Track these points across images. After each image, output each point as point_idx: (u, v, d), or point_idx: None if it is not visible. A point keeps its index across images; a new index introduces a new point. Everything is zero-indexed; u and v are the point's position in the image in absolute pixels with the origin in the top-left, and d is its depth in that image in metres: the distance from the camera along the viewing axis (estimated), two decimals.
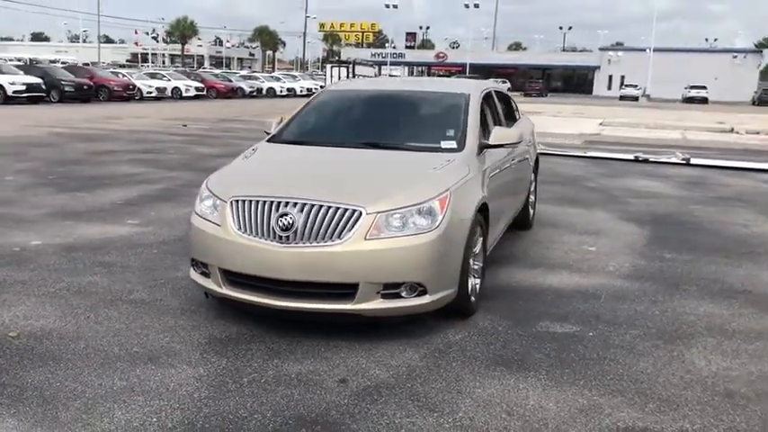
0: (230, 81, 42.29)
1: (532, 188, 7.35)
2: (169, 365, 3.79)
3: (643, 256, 6.34)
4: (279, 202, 4.06)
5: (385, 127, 5.41)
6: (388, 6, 79.82)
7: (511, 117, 6.81)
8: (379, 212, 3.98)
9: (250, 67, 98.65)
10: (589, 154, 14.33)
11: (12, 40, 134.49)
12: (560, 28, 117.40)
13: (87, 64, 56.33)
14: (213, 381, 3.62)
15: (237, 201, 4.18)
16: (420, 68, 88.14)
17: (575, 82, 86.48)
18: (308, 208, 4.00)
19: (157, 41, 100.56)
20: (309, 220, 3.97)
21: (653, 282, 5.54)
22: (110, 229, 6.89)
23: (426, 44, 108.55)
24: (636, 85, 65.23)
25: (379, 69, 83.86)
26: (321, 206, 4.00)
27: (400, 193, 4.13)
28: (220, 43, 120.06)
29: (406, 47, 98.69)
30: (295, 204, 4.03)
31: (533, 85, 67.20)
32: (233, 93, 40.50)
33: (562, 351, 4.10)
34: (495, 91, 6.41)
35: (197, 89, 37.42)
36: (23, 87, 27.43)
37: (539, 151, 8.01)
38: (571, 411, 3.37)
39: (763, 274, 5.86)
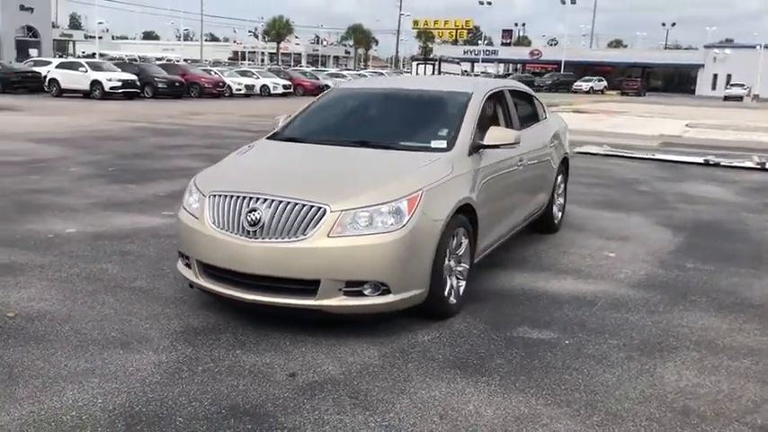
0: (317, 79, 43.11)
1: (559, 190, 7.16)
2: (136, 351, 3.96)
3: (663, 264, 6.06)
4: (249, 198, 4.17)
5: (380, 126, 5.44)
6: (482, 3, 79.07)
7: (531, 117, 6.66)
8: (343, 210, 4.01)
9: (345, 65, 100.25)
10: (657, 156, 13.74)
11: (126, 38, 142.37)
12: (663, 24, 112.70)
13: (179, 61, 58.81)
14: (170, 368, 3.76)
15: (214, 196, 4.32)
16: (515, 66, 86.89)
17: (676, 81, 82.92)
18: (275, 204, 4.09)
19: (258, 39, 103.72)
20: (276, 216, 4.06)
21: (661, 291, 5.30)
22: (143, 219, 7.22)
23: (523, 41, 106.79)
24: (742, 85, 61.81)
25: (472, 66, 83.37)
26: (288, 203, 4.07)
27: (369, 192, 4.15)
28: (319, 42, 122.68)
29: (502, 44, 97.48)
30: (264, 200, 4.13)
31: (631, 83, 64.92)
32: (319, 90, 41.12)
33: (528, 358, 4.01)
34: (512, 90, 6.29)
35: (284, 87, 38.39)
36: (119, 84, 29.02)
37: (588, 151, 7.78)
38: (506, 419, 3.31)
39: None
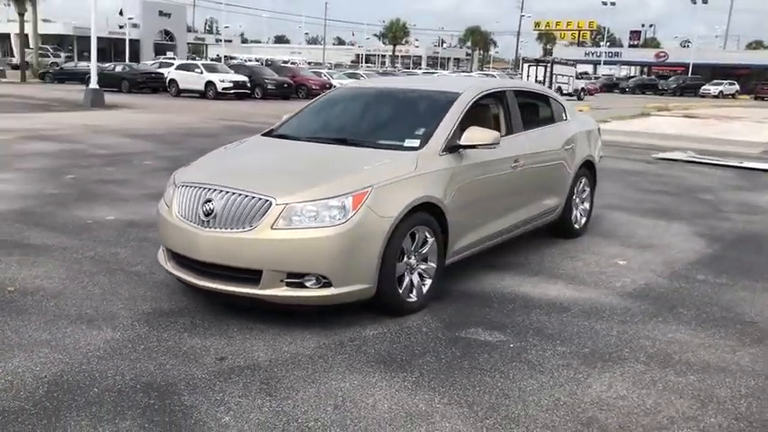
0: None
1: (583, 195, 6.94)
2: (97, 328, 4.28)
3: (672, 274, 5.76)
4: (206, 189, 4.41)
5: (365, 124, 5.53)
6: (605, 4, 76.38)
7: (543, 119, 6.49)
8: (287, 203, 4.15)
9: (464, 68, 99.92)
10: (745, 164, 12.85)
11: (258, 42, 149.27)
12: None
13: (302, 64, 60.85)
14: (117, 344, 4.04)
15: (181, 186, 4.60)
16: (642, 69, 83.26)
17: None
18: (227, 196, 4.29)
19: (383, 43, 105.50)
20: (226, 207, 4.26)
21: (650, 302, 5.05)
22: None
23: (651, 43, 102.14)
24: None
25: (594, 69, 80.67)
26: (239, 195, 4.27)
27: (317, 187, 4.26)
28: (442, 44, 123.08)
29: (630, 45, 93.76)
30: (219, 192, 4.34)
31: (765, 87, 60.44)
32: None
33: (461, 358, 3.98)
34: (520, 91, 6.18)
35: None
36: (231, 85, 30.56)
37: (670, 157, 7.46)
38: (397, 415, 3.33)
39: None
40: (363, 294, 4.31)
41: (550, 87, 44.10)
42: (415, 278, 4.67)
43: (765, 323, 4.69)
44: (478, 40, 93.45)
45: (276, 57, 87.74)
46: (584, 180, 6.88)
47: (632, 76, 73.63)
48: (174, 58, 38.30)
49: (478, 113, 5.52)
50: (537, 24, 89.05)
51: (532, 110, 6.41)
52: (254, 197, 4.22)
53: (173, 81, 32.06)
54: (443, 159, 4.87)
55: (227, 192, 4.31)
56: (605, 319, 4.66)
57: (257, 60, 72.13)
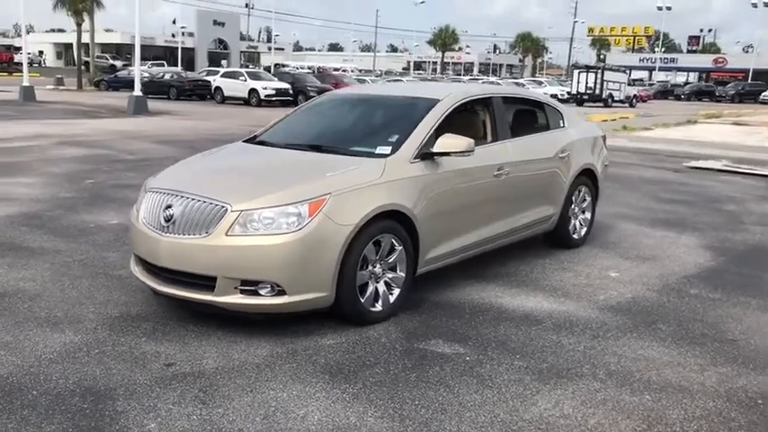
0: None
1: (583, 204, 6.74)
2: (60, 331, 4.34)
3: (664, 288, 5.52)
4: (169, 195, 4.43)
5: (341, 131, 5.49)
6: (660, 8, 74.58)
7: (536, 127, 6.33)
8: (243, 210, 4.13)
9: (518, 74, 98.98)
10: None
11: (312, 50, 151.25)
12: None
13: (352, 71, 61.25)
14: (73, 348, 4.08)
15: (149, 192, 4.64)
16: (699, 74, 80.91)
17: None
18: (186, 201, 4.31)
19: (435, 50, 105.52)
20: (185, 213, 4.27)
21: (630, 316, 4.86)
22: None
23: (710, 48, 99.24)
24: None
25: (650, 75, 78.85)
26: (197, 201, 4.27)
27: (274, 194, 4.23)
28: (496, 50, 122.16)
29: (688, 51, 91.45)
30: (179, 197, 4.36)
31: None
32: None
33: (411, 370, 3.89)
34: (509, 98, 6.05)
35: None
36: (273, 92, 30.97)
37: (702, 166, 7.22)
38: (326, 427, 3.27)
39: None
40: (320, 303, 4.26)
41: (601, 94, 43.32)
42: (381, 287, 4.59)
43: (746, 342, 4.45)
44: (529, 46, 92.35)
45: (328, 64, 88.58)
46: (583, 189, 6.68)
47: (687, 83, 71.54)
48: (219, 69, 38.97)
49: (460, 120, 5.42)
50: (590, 30, 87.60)
51: (523, 117, 6.27)
52: (211, 203, 4.22)
53: (218, 88, 32.69)
54: (415, 167, 4.78)
55: (187, 198, 4.33)
56: (576, 334, 4.50)
57: (309, 68, 73.11)
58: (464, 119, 5.46)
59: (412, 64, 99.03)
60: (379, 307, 4.57)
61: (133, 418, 3.30)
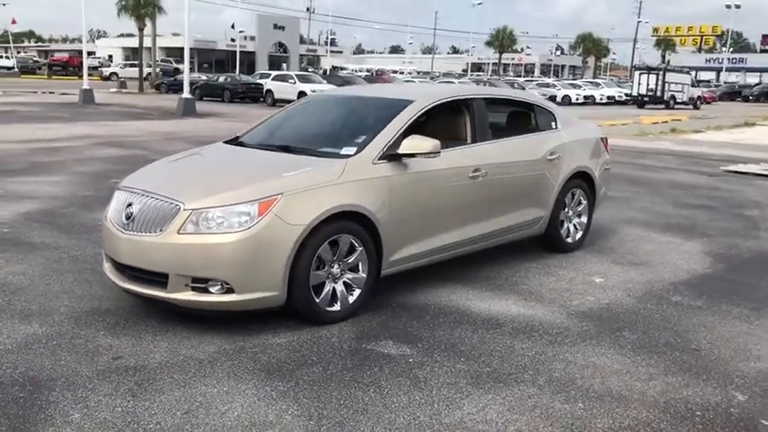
0: (523, 89, 42.43)
1: (579, 208, 6.59)
2: (27, 323, 4.51)
3: (645, 295, 5.36)
4: (132, 193, 4.56)
5: (313, 131, 5.54)
6: (728, 7, 71.96)
7: (523, 128, 6.22)
8: (194, 209, 4.22)
9: (581, 75, 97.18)
10: None
11: (372, 52, 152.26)
12: None
13: (410, 73, 61.36)
14: (32, 339, 4.23)
15: (116, 191, 4.78)
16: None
17: None
18: (144, 200, 4.43)
19: (493, 51, 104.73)
20: (142, 211, 4.39)
21: (597, 322, 4.73)
22: None
23: None
24: None
25: (717, 76, 76.23)
26: (154, 199, 4.39)
27: (226, 193, 4.30)
28: (559, 51, 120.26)
29: (761, 50, 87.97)
30: (140, 196, 4.49)
31: None
32: None
33: (347, 370, 3.90)
34: (491, 99, 5.95)
35: None
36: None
37: (738, 170, 7.02)
38: (242, 423, 3.31)
39: (751, 338, 4.59)
40: (271, 302, 4.30)
41: (662, 96, 42.16)
42: (340, 287, 4.61)
43: (709, 352, 4.28)
44: (590, 47, 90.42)
45: (387, 67, 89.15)
46: (578, 192, 6.53)
47: (758, 83, 68.73)
48: (271, 72, 39.69)
49: (437, 122, 5.40)
50: (655, 30, 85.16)
51: (508, 118, 6.18)
52: (166, 202, 4.33)
53: (269, 91, 33.26)
54: (378, 168, 4.77)
55: (146, 196, 4.45)
56: (533, 339, 4.41)
57: (368, 71, 73.64)
58: (441, 120, 5.43)
59: (469, 66, 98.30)
60: (336, 307, 4.59)
61: (61, 409, 3.40)
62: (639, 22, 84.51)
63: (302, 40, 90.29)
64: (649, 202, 9.42)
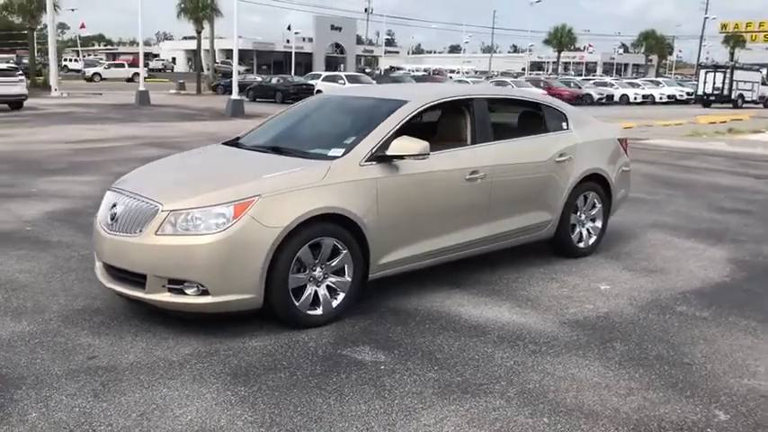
0: (579, 88, 41.58)
1: (592, 212, 6.34)
2: (17, 321, 4.55)
3: (649, 304, 5.11)
4: (117, 194, 4.61)
5: (307, 132, 5.49)
6: None
7: (530, 129, 6.02)
8: (171, 210, 4.22)
9: (644, 73, 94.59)
10: None
11: (432, 52, 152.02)
12: None
13: (468, 73, 60.91)
14: (17, 337, 4.27)
15: (107, 192, 4.84)
16: None
17: None
18: (127, 201, 4.46)
19: (552, 49, 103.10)
20: (125, 212, 4.43)
21: (588, 332, 4.53)
22: None
23: None
24: None
25: None
26: (136, 200, 4.42)
27: (206, 194, 4.29)
28: (624, 49, 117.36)
29: None
30: (124, 196, 4.53)
31: None
32: (579, 99, 39.76)
33: (314, 376, 3.83)
34: (494, 99, 5.79)
35: None
36: None
37: None
38: (192, 428, 3.28)
39: (752, 353, 4.32)
40: (247, 305, 4.27)
41: (730, 95, 40.65)
42: (322, 291, 4.54)
43: (701, 367, 4.03)
44: (653, 45, 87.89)
45: (445, 66, 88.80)
46: (591, 195, 6.29)
47: None
48: (321, 73, 40.03)
49: (434, 123, 5.28)
50: (723, 26, 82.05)
51: (513, 119, 6.00)
52: (146, 203, 4.35)
53: (319, 92, 33.49)
54: (365, 169, 4.68)
55: (129, 197, 4.48)
56: (516, 348, 4.25)
57: (424, 70, 73.51)
58: (439, 121, 5.30)
59: (528, 65, 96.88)
60: (318, 311, 4.53)
61: (21, 407, 3.44)
62: (707, 18, 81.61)
63: (360, 41, 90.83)
64: (683, 205, 9.04)
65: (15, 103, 25.09)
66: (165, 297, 4.25)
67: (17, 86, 25.19)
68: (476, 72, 79.33)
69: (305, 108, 6.07)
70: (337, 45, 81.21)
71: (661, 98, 42.73)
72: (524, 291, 5.36)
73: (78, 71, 66.36)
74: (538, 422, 3.36)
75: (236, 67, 25.36)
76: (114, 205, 4.53)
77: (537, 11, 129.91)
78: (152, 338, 4.31)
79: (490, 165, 5.36)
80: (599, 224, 6.45)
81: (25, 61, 50.45)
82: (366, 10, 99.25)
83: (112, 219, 4.49)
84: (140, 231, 4.28)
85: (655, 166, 12.81)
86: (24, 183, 9.74)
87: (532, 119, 6.14)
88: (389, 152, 4.75)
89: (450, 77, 57.50)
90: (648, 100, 42.45)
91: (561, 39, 74.47)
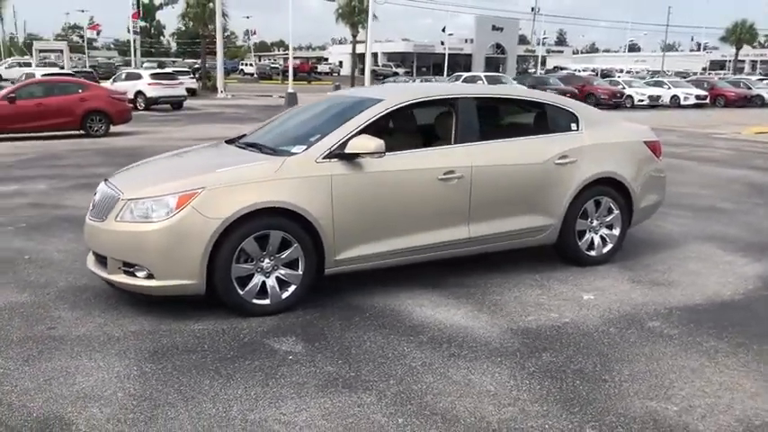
0: (749, 88, 38.15)
1: (607, 219, 5.96)
2: (20, 292, 5.18)
3: (620, 318, 4.76)
4: (104, 184, 5.09)
5: (290, 130, 5.65)
6: None
7: (523, 130, 5.78)
8: (128, 199, 4.62)
9: None
10: None
11: (608, 51, 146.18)
12: None
13: (638, 72, 57.88)
14: (6, 307, 4.85)
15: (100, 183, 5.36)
16: None
17: None
18: (105, 190, 4.93)
19: (730, 47, 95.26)
20: (99, 200, 4.90)
21: (528, 341, 4.34)
22: None
23: None
24: None
25: None
26: (109, 189, 4.87)
27: (159, 185, 4.64)
28: None
29: None
30: (104, 186, 5.01)
31: None
32: (746, 101, 36.54)
33: (220, 360, 4.02)
34: (485, 98, 5.63)
35: (697, 97, 35.20)
36: None
37: None
38: (75, 394, 3.60)
39: (689, 375, 3.89)
40: (189, 290, 4.54)
41: None
42: (271, 282, 4.73)
43: (615, 385, 3.74)
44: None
45: (616, 66, 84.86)
46: (604, 200, 5.92)
47: None
48: (462, 74, 39.93)
49: (411, 122, 5.30)
50: None
51: (507, 119, 5.81)
52: (113, 191, 4.78)
53: None
54: (321, 166, 4.80)
55: (106, 186, 4.95)
56: (437, 350, 4.19)
57: (593, 70, 70.80)
58: (418, 120, 5.29)
59: (707, 63, 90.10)
60: (266, 301, 4.72)
61: None
62: None
63: (523, 41, 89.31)
64: (762, 216, 8.17)
65: (176, 104, 27.71)
66: (121, 278, 4.65)
67: (178, 89, 27.90)
68: (647, 71, 75.05)
69: (306, 107, 6.27)
70: (498, 45, 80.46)
71: None
72: (498, 296, 5.20)
73: (251, 75, 71.24)
74: (390, 422, 3.34)
75: (291, 63, 26.03)
76: (96, 193, 5.01)
77: (717, 6, 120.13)
78: (112, 316, 4.72)
79: (471, 165, 5.26)
80: (616, 232, 6.06)
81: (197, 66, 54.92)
82: (532, 9, 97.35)
83: (93, 206, 4.97)
84: (105, 218, 4.72)
85: (753, 172, 11.70)
86: None
87: (533, 119, 5.91)
88: (347, 150, 4.83)
89: (618, 77, 54.88)
90: None
91: (740, 35, 68.49)
